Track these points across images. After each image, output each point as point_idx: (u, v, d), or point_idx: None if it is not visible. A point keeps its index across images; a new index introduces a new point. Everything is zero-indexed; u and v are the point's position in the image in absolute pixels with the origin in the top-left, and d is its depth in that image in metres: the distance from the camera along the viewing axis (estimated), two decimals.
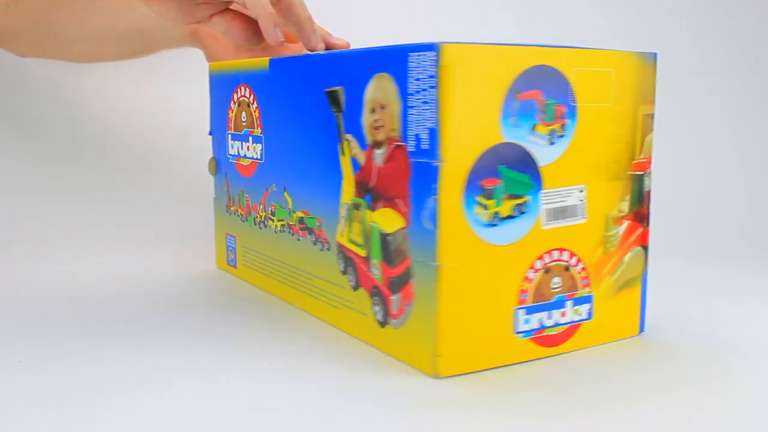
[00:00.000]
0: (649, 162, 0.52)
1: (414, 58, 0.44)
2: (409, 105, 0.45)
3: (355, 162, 0.50)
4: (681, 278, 0.70)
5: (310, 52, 0.56)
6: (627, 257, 0.52)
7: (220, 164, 0.68)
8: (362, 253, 0.50)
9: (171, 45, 0.69)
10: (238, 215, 0.67)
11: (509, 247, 0.46)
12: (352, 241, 0.51)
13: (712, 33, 1.05)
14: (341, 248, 0.52)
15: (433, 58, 0.43)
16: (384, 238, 0.48)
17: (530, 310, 0.48)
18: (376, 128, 0.48)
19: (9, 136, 0.78)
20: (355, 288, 0.51)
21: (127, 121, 0.81)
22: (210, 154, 0.68)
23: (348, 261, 0.52)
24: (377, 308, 0.49)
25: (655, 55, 0.51)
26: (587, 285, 0.50)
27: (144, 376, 0.45)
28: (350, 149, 0.50)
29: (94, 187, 0.78)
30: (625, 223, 0.51)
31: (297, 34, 0.55)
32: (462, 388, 0.44)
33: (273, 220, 0.61)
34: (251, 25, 0.56)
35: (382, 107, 0.47)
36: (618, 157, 0.50)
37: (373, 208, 0.49)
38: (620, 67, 0.49)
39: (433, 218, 0.44)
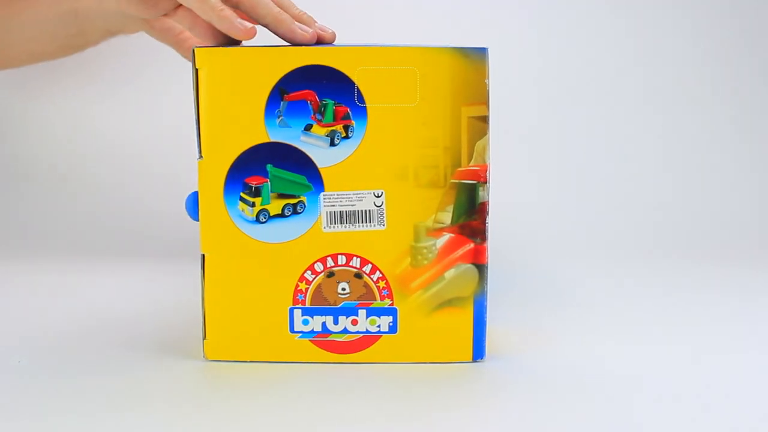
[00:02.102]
0: (485, 171, 0.48)
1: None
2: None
3: None
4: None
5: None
6: (449, 274, 0.49)
7: None
8: None
9: (118, 30, 0.66)
10: None
11: (282, 245, 0.49)
12: None
13: (717, 33, 1.04)
14: None
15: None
16: None
17: (308, 312, 0.49)
18: None
19: None
20: None
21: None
22: None
23: None
24: None
25: (483, 50, 0.47)
26: (388, 296, 0.49)
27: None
28: None
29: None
30: (446, 236, 0.49)
31: (277, 35, 0.53)
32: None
33: None
34: None
35: None
36: (434, 163, 0.48)
37: None
38: (431, 65, 0.47)
39: (193, 211, 0.49)
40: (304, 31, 0.49)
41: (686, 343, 0.56)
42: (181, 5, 0.52)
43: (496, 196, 0.85)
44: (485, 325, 0.50)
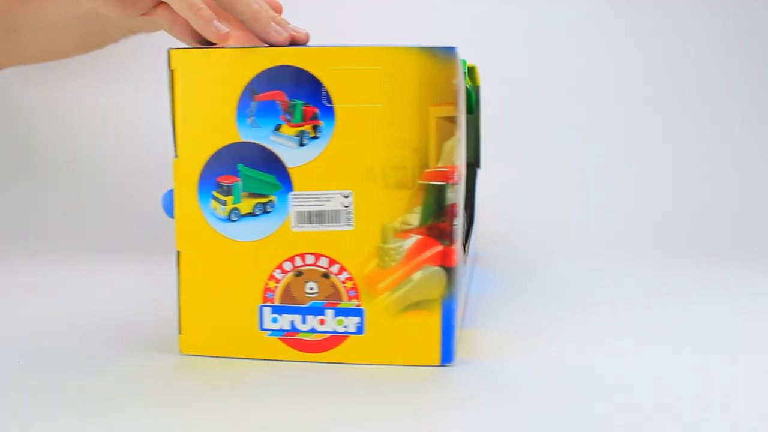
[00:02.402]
0: (453, 172, 0.48)
1: None
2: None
3: None
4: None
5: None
6: (416, 276, 0.49)
7: None
8: None
9: (138, 29, 0.65)
10: None
11: (252, 244, 0.50)
12: None
13: (718, 32, 1.05)
14: None
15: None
16: None
17: (278, 310, 0.50)
18: None
19: None
20: None
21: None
22: None
23: None
24: None
25: (451, 50, 0.47)
26: (355, 297, 0.49)
27: None
28: None
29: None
30: (414, 238, 0.48)
31: (252, 31, 0.53)
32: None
33: None
34: None
35: None
36: (402, 164, 0.48)
37: None
38: (398, 65, 0.47)
39: (168, 208, 0.50)
40: (278, 33, 0.50)
41: (682, 344, 0.54)
42: (160, 4, 0.53)
43: (499, 196, 0.86)
44: (454, 329, 0.50)
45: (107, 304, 0.66)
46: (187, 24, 0.52)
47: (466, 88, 0.79)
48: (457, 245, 0.49)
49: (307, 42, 0.52)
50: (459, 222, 0.49)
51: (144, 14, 0.54)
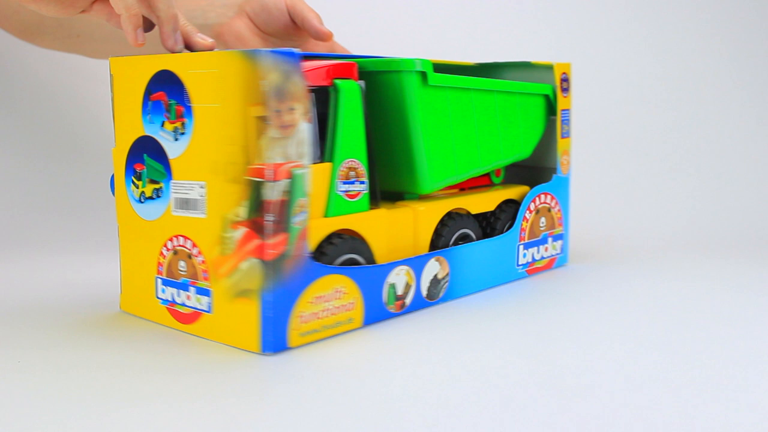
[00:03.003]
0: (267, 169, 0.49)
1: None
2: None
3: None
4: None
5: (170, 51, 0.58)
6: (244, 265, 0.51)
7: None
8: None
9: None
10: None
11: (151, 223, 0.58)
12: None
13: (727, 30, 1.06)
14: None
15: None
16: None
17: (165, 283, 0.57)
18: None
19: None
20: None
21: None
22: None
23: None
24: None
25: (264, 52, 0.48)
26: (207, 279, 0.53)
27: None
28: None
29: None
30: (242, 230, 0.51)
31: (159, 30, 0.57)
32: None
33: None
34: None
35: None
36: (235, 160, 0.51)
37: None
38: (225, 67, 0.50)
39: (112, 189, 0.60)
40: (176, 42, 0.57)
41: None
42: (97, 0, 0.59)
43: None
44: (276, 320, 0.51)
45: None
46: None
47: (552, 90, 0.73)
48: (277, 240, 0.50)
49: (210, 48, 0.57)
50: (275, 219, 0.50)
51: (83, 11, 0.60)
